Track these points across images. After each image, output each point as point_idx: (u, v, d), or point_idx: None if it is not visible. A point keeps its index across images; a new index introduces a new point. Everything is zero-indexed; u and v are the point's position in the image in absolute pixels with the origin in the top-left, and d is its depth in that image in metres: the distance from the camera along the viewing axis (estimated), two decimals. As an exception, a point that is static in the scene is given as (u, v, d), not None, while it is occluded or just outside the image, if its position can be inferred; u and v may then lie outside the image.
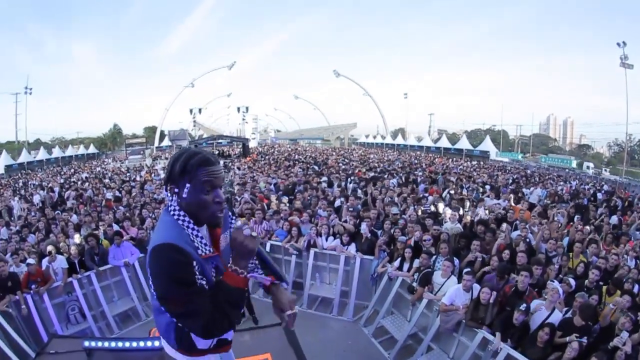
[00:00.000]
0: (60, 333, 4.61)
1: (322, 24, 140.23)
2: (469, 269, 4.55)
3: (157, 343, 2.47)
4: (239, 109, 47.48)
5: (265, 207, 7.77)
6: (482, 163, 27.05)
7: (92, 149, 42.33)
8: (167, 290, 1.14)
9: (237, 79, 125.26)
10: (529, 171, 21.37)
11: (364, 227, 6.10)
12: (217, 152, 28.74)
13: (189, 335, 1.29)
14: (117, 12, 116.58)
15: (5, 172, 27.83)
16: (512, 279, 4.40)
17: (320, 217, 6.89)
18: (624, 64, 25.99)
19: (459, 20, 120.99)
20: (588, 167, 27.30)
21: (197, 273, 1.17)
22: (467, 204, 8.31)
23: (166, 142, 40.08)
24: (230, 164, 20.37)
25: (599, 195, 12.31)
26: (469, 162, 26.82)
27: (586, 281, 4.57)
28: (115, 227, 6.51)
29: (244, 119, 47.50)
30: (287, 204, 8.24)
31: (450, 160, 28.24)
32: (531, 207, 8.57)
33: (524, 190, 11.97)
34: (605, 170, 28.29)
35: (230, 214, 1.44)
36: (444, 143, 37.27)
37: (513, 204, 8.68)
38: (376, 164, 20.25)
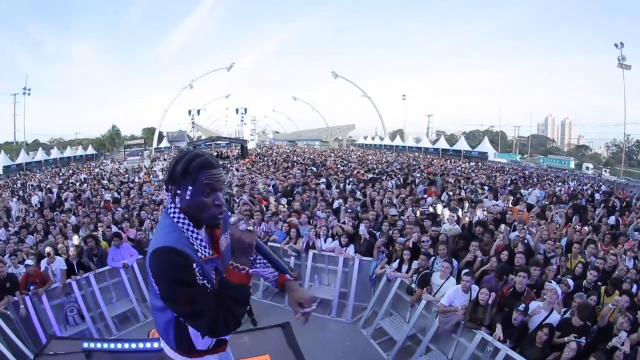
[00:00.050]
0: (59, 335, 4.59)
1: (322, 24, 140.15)
2: (467, 270, 4.55)
3: (156, 345, 2.46)
4: (237, 110, 47.51)
5: (264, 208, 7.76)
6: (480, 164, 27.10)
7: (90, 151, 42.28)
8: (171, 291, 1.15)
9: (237, 80, 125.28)
10: (527, 172, 21.40)
11: (362, 229, 6.10)
12: (215, 154, 28.71)
13: (189, 336, 1.29)
14: (117, 12, 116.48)
15: (4, 173, 27.80)
16: (510, 280, 4.40)
17: (319, 219, 6.89)
18: (622, 65, 26.17)
19: (458, 20, 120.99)
20: (588, 168, 27.39)
21: (198, 275, 1.17)
22: (466, 205, 8.33)
23: (165, 143, 40.11)
24: (229, 165, 20.33)
25: (597, 196, 12.34)
26: (467, 164, 26.81)
27: (585, 282, 4.58)
28: (114, 229, 6.49)
29: (242, 121, 47.59)
30: (286, 206, 8.24)
31: (449, 161, 28.25)
32: (530, 208, 8.61)
33: (522, 191, 12.02)
34: (606, 171, 28.38)
35: (230, 215, 1.45)
36: (443, 144, 37.34)
37: (511, 205, 8.71)
38: (375, 166, 20.24)
